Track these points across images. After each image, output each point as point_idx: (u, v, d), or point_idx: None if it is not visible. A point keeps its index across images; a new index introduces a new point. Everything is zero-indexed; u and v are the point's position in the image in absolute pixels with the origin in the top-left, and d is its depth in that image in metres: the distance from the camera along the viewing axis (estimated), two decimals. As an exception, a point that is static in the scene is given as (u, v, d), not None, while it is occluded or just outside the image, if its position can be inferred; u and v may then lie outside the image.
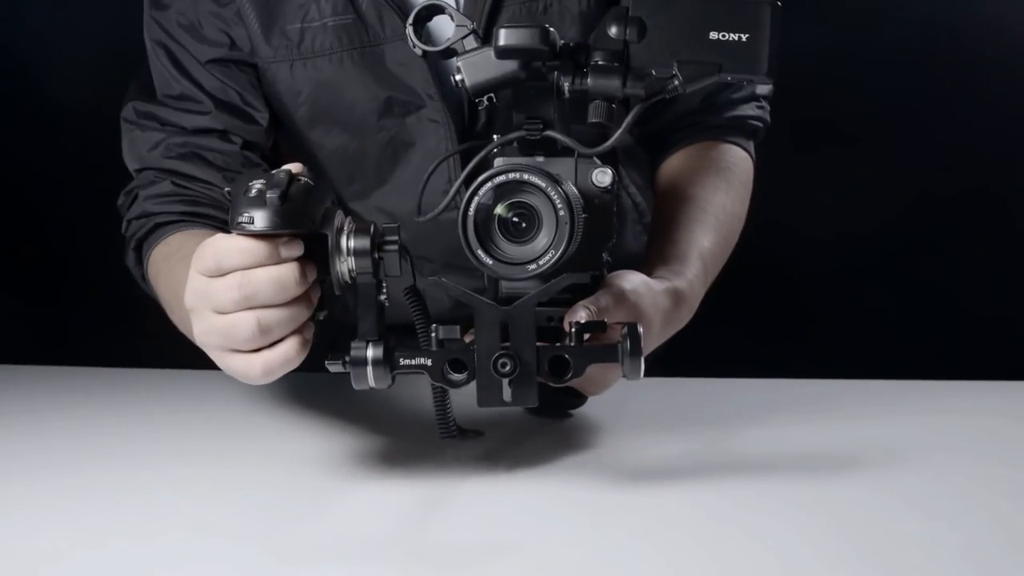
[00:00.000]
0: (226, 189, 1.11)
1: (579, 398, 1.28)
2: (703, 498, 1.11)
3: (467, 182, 1.12)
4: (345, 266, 1.07)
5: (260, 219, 1.03)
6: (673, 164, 1.49)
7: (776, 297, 2.36)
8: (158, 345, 1.53)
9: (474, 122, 1.42)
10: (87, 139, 2.16)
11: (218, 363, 1.12)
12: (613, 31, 1.15)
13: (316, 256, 1.07)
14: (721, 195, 1.42)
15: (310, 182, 1.07)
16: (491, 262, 1.09)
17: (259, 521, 1.09)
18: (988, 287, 2.35)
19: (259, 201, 1.03)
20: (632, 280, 1.22)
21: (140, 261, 1.42)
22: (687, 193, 1.41)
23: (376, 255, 1.07)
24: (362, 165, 1.46)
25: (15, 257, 2.45)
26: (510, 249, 1.10)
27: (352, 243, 1.06)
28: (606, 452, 1.23)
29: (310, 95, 1.43)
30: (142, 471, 1.23)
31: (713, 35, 1.15)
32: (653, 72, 1.15)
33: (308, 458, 1.23)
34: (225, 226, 1.16)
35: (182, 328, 1.30)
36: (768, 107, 1.53)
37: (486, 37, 1.18)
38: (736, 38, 1.15)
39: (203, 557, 1.02)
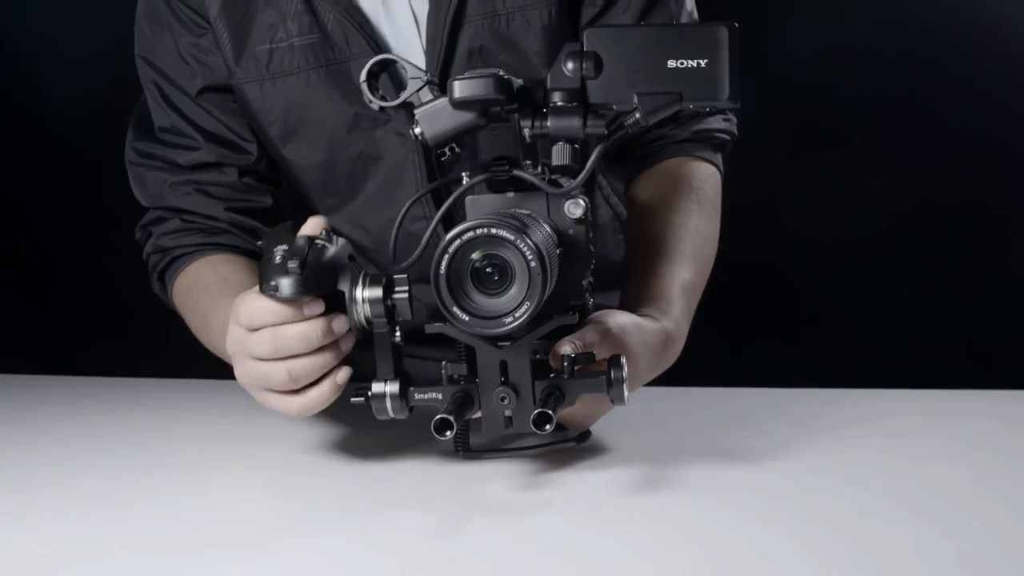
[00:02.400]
0: (259, 243, 1.27)
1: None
2: (703, 505, 1.12)
3: (441, 225, 1.16)
4: (362, 315, 1.16)
5: (284, 287, 1.15)
6: (645, 186, 1.48)
7: (772, 302, 2.36)
8: (158, 353, 1.55)
9: None
10: (87, 146, 2.18)
11: (258, 400, 1.23)
12: (569, 68, 1.14)
13: (338, 309, 1.17)
14: (695, 218, 1.41)
15: (327, 244, 1.17)
16: (467, 318, 1.09)
17: (261, 531, 1.11)
18: (988, 294, 2.34)
19: (282, 270, 1.15)
20: (618, 318, 1.21)
21: (164, 289, 1.52)
22: (664, 220, 1.40)
23: (388, 302, 1.15)
24: (334, 179, 1.48)
25: (14, 266, 2.47)
26: (485, 302, 1.09)
27: (366, 293, 1.15)
28: (606, 460, 1.24)
29: (281, 113, 1.46)
30: (142, 481, 1.25)
31: (671, 63, 1.13)
32: (613, 107, 1.13)
33: (309, 465, 1.26)
34: (236, 248, 1.48)
35: (212, 350, 1.43)
36: (735, 119, 1.52)
37: (442, 84, 1.16)
38: (695, 64, 1.13)
39: (202, 566, 1.03)
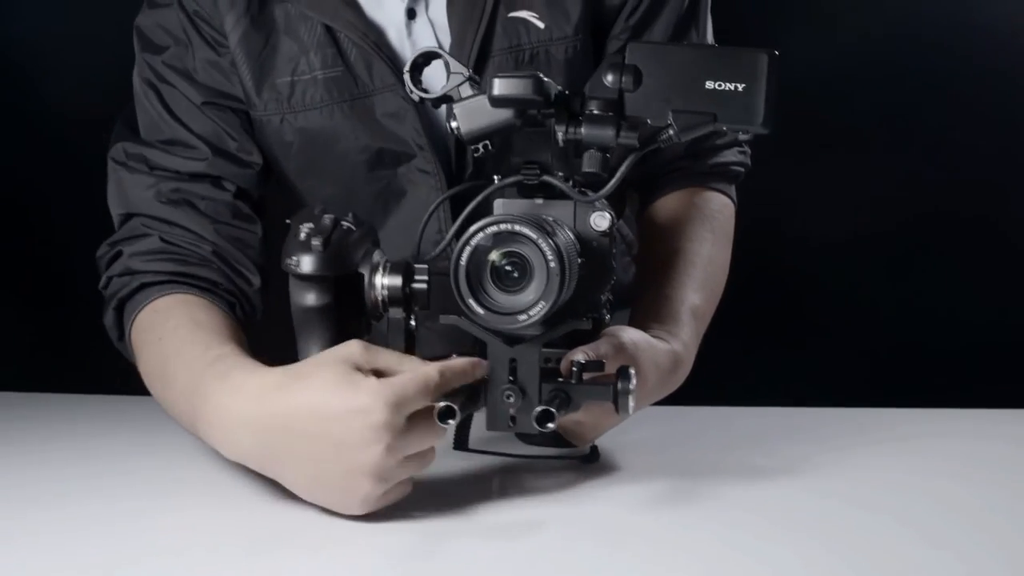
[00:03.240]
0: (287, 220, 1.19)
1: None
2: (711, 525, 1.12)
3: (462, 227, 1.14)
4: (379, 299, 1.17)
5: (305, 263, 1.16)
6: (660, 210, 1.49)
7: (778, 313, 2.36)
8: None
9: (463, 171, 1.43)
10: (92, 156, 2.17)
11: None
12: (609, 79, 1.16)
13: (357, 292, 1.18)
14: (708, 246, 1.42)
15: (352, 227, 1.18)
16: (482, 311, 1.10)
17: (267, 552, 1.09)
18: (995, 311, 2.34)
19: (305, 246, 1.16)
20: (632, 334, 1.22)
21: (120, 321, 1.38)
22: (676, 245, 1.41)
23: (407, 290, 1.16)
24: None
25: (20, 283, 2.46)
26: (501, 298, 1.10)
27: (385, 280, 1.17)
28: (613, 479, 1.24)
29: (301, 147, 1.44)
30: (147, 501, 1.23)
31: (709, 84, 1.15)
32: (648, 121, 1.15)
33: None
34: (214, 287, 1.36)
35: (163, 405, 1.30)
36: (748, 151, 1.54)
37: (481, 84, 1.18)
38: (732, 88, 1.14)
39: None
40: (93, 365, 2.00)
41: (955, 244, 2.39)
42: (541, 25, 1.41)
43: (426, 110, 1.41)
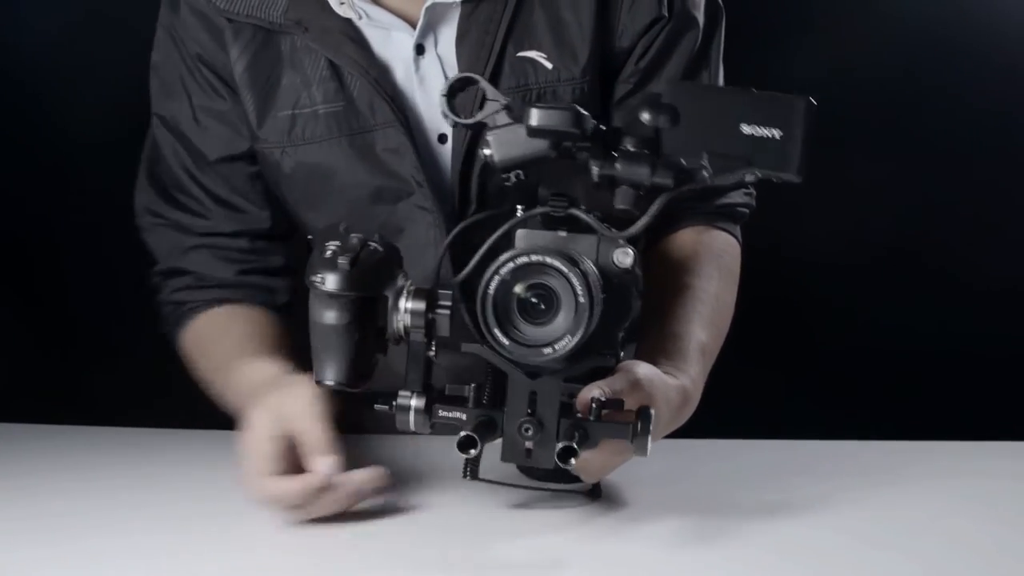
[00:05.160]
0: (309, 236, 1.30)
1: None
2: (720, 561, 1.13)
3: (488, 256, 1.14)
4: (401, 324, 1.16)
5: (330, 281, 1.15)
6: (668, 248, 1.48)
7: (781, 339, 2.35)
8: (170, 404, 1.54)
9: (465, 208, 1.43)
10: (100, 189, 2.14)
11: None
12: (646, 117, 1.15)
13: (377, 313, 1.17)
14: (715, 284, 1.42)
15: (379, 248, 1.17)
16: (508, 342, 1.09)
17: None
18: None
19: (331, 264, 1.15)
20: (646, 370, 1.22)
21: (175, 337, 1.52)
22: (684, 282, 1.40)
23: (429, 316, 1.15)
24: None
25: (28, 313, 2.44)
26: (528, 330, 1.10)
27: (409, 304, 1.15)
28: (623, 514, 1.24)
29: (302, 180, 1.45)
30: (156, 536, 1.22)
31: (746, 129, 1.14)
32: (683, 161, 1.14)
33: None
34: (250, 300, 1.49)
35: (221, 401, 1.42)
36: (754, 192, 1.54)
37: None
38: (769, 134, 1.14)
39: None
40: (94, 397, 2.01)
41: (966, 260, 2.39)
42: (549, 66, 1.41)
43: (426, 148, 1.42)
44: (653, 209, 1.14)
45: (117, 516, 1.27)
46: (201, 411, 1.48)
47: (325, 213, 1.45)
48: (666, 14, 1.44)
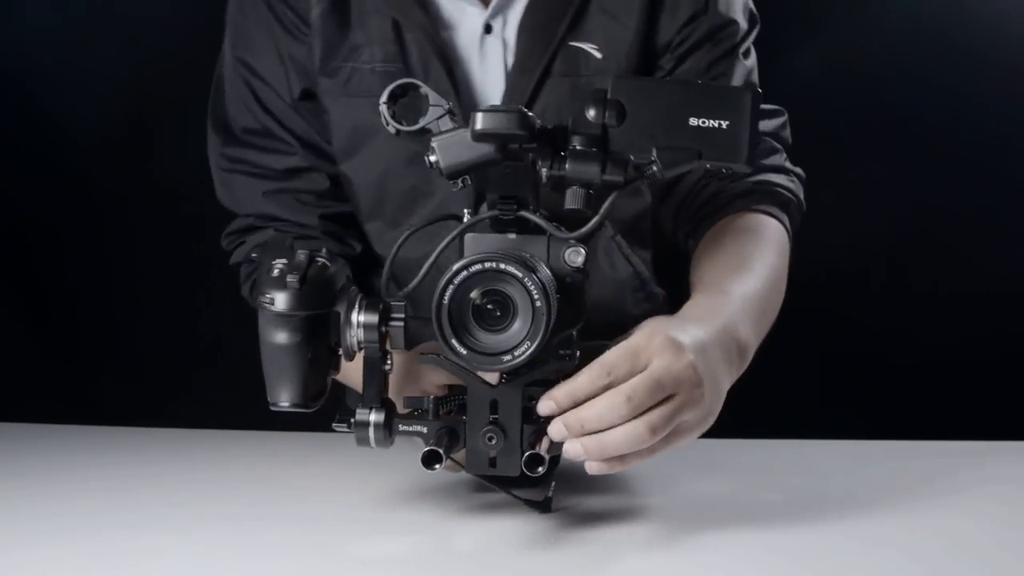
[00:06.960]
0: (253, 255, 1.28)
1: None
2: (725, 562, 1.11)
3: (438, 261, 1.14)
4: (355, 338, 1.14)
5: (280, 301, 1.12)
6: (713, 235, 1.44)
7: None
8: (173, 404, 1.51)
9: None
10: (101, 189, 2.11)
11: None
12: (592, 114, 1.14)
13: (329, 329, 1.14)
14: (760, 248, 1.38)
15: (327, 263, 1.15)
16: (465, 352, 1.07)
17: None
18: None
19: (280, 283, 1.13)
20: (652, 325, 1.16)
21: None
22: (724, 247, 1.37)
23: (383, 329, 1.13)
24: (382, 205, 1.51)
25: (35, 313, 2.41)
26: (485, 338, 1.08)
27: (361, 318, 1.13)
28: (629, 514, 1.23)
29: (348, 130, 1.48)
30: (164, 535, 1.20)
31: (693, 121, 1.13)
32: (631, 157, 1.13)
33: (328, 518, 1.23)
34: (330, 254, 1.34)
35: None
36: (801, 185, 1.50)
37: (465, 117, 1.15)
38: (716, 125, 1.13)
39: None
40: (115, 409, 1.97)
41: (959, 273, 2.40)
42: (599, 55, 1.44)
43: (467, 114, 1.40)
44: (605, 206, 1.12)
45: (119, 516, 1.26)
46: (204, 411, 1.47)
47: (362, 167, 1.49)
48: (706, 9, 1.46)
